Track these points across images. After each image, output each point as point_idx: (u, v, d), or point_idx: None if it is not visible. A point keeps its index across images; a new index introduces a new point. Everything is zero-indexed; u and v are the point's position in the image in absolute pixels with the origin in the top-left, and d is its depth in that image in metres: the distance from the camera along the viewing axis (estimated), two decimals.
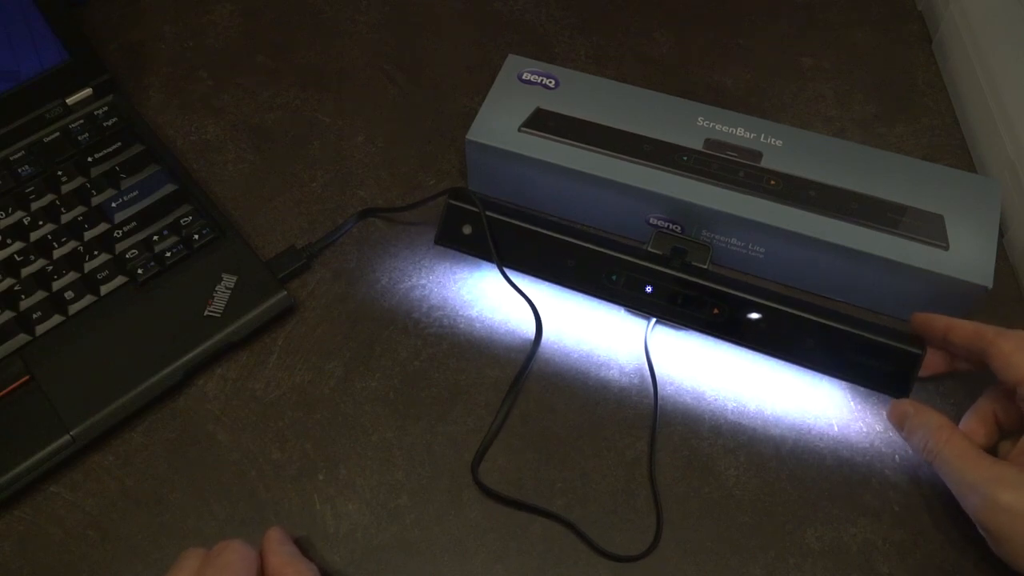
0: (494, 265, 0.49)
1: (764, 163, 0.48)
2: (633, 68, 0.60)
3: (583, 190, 0.49)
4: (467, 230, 0.49)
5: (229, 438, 0.45)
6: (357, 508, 0.42)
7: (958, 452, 0.38)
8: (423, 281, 0.50)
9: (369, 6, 0.64)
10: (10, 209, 0.49)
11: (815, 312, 0.45)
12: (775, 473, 0.43)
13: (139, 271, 0.47)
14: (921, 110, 0.58)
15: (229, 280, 0.47)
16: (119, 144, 0.52)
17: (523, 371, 0.46)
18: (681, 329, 0.47)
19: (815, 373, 0.46)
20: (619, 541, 0.41)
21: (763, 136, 0.49)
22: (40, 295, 0.46)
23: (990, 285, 0.43)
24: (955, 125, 0.57)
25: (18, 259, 0.47)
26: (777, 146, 0.49)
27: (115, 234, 0.48)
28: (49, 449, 0.42)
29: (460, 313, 0.49)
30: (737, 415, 0.45)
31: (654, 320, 0.47)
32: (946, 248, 0.45)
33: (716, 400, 0.46)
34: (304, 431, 0.45)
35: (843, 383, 0.46)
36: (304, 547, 0.41)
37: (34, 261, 0.48)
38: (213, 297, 0.47)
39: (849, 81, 0.59)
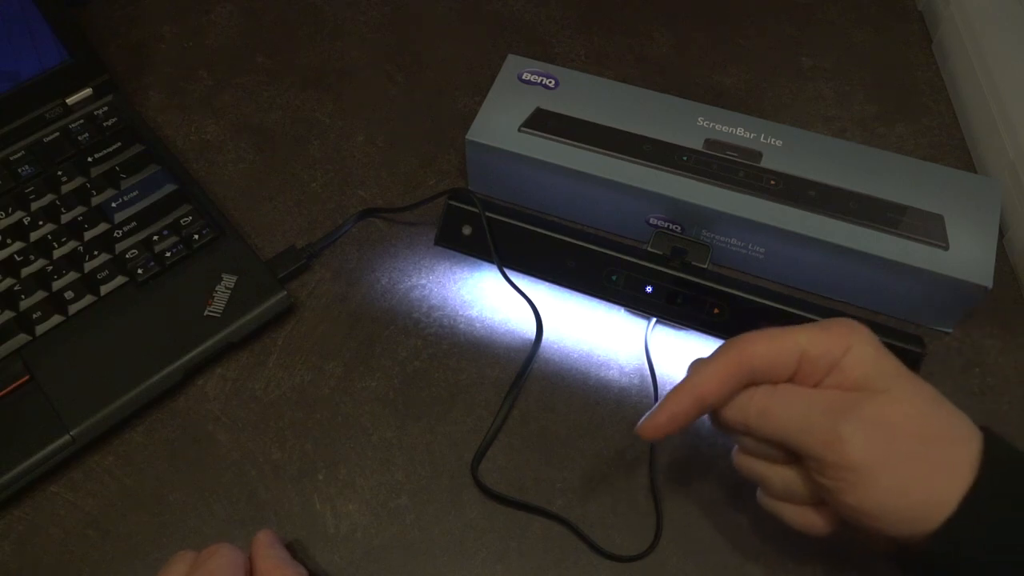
0: (494, 265, 0.49)
1: (764, 163, 0.48)
2: (633, 68, 0.60)
3: (583, 190, 0.49)
4: (467, 231, 0.49)
5: (229, 438, 0.45)
6: (357, 508, 0.42)
7: (792, 393, 0.33)
8: (423, 281, 0.50)
9: (369, 6, 0.64)
10: (10, 209, 0.49)
11: (815, 311, 0.45)
12: None
13: (139, 271, 0.47)
14: (921, 110, 0.58)
15: (229, 280, 0.47)
16: (119, 144, 0.52)
17: (523, 371, 0.46)
18: (681, 329, 0.47)
19: None
20: (619, 541, 0.41)
21: (763, 136, 0.49)
22: (40, 295, 0.46)
23: (990, 285, 0.43)
24: (955, 125, 0.57)
25: (18, 259, 0.47)
26: (777, 146, 0.49)
27: (115, 234, 0.48)
28: (49, 449, 0.42)
29: (460, 313, 0.49)
30: None
31: (654, 320, 0.47)
32: (946, 248, 0.45)
33: None
34: (304, 431, 0.45)
35: None
36: (295, 549, 0.41)
37: (34, 261, 0.48)
38: (213, 297, 0.47)
39: (849, 81, 0.59)
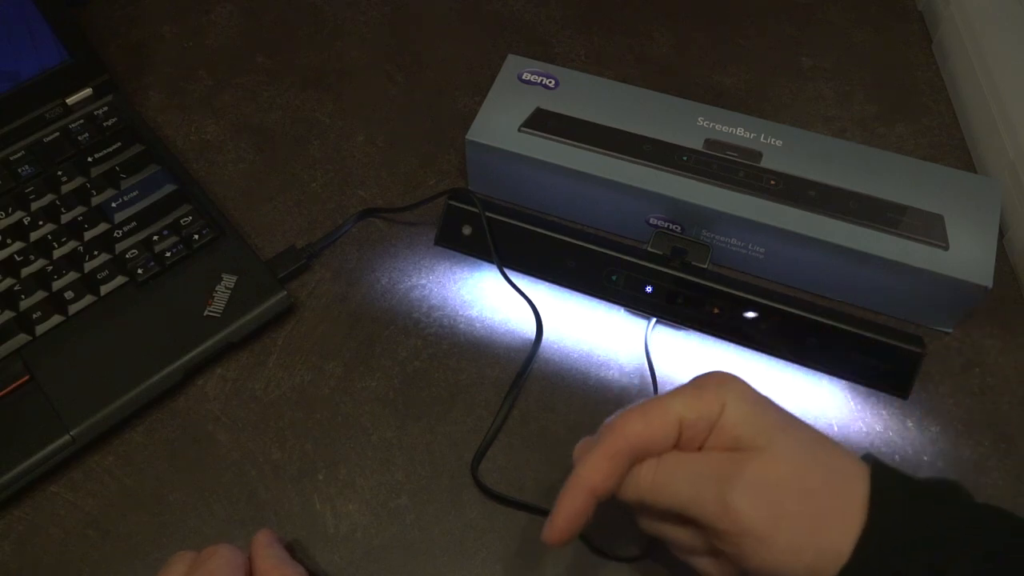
0: (494, 265, 0.49)
1: (764, 163, 0.48)
2: (633, 68, 0.60)
3: (583, 190, 0.49)
4: (467, 231, 0.50)
5: (229, 438, 0.45)
6: (357, 508, 0.42)
7: (676, 464, 0.33)
8: (423, 281, 0.50)
9: (369, 6, 0.64)
10: (10, 209, 0.49)
11: (815, 311, 0.45)
12: None
13: (139, 271, 0.47)
14: (921, 110, 0.58)
15: (229, 280, 0.47)
16: (119, 144, 0.52)
17: (523, 371, 0.46)
18: (681, 329, 0.47)
19: (815, 373, 0.46)
20: (619, 541, 0.41)
21: (763, 136, 0.49)
22: (40, 295, 0.46)
23: (990, 285, 0.43)
24: (955, 125, 0.57)
25: (18, 259, 0.47)
26: (777, 146, 0.49)
27: (115, 234, 0.48)
28: (49, 449, 0.42)
29: (460, 313, 0.49)
30: None
31: (654, 320, 0.47)
32: (946, 248, 0.45)
33: None
34: (304, 431, 0.45)
35: (843, 383, 0.46)
36: (294, 549, 0.41)
37: (34, 261, 0.48)
38: (213, 297, 0.47)
39: (849, 81, 0.59)
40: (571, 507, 0.33)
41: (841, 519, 0.31)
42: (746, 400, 0.33)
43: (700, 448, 0.33)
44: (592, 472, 0.33)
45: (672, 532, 0.35)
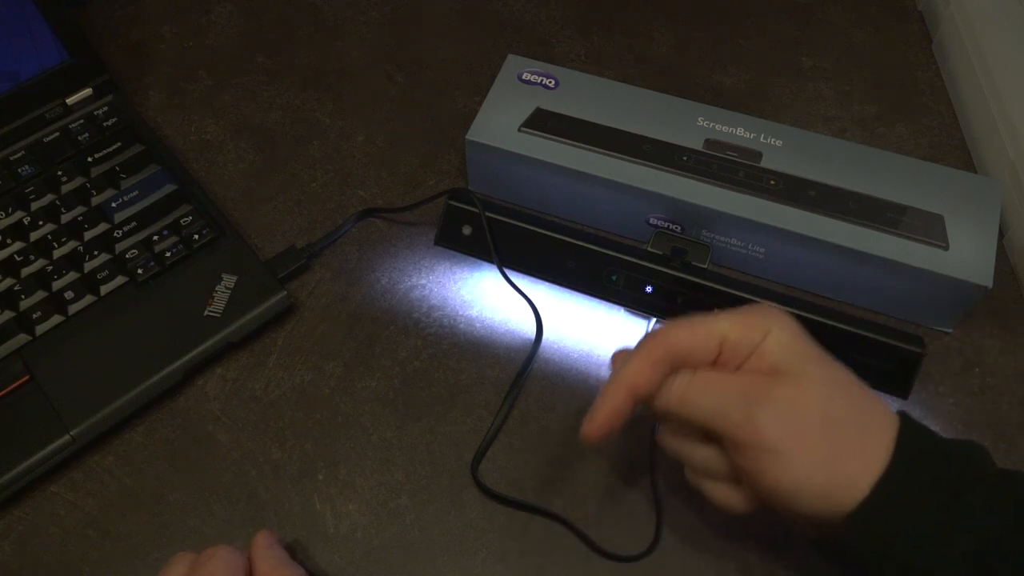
0: (494, 265, 0.49)
1: (764, 163, 0.48)
2: (633, 68, 0.60)
3: (583, 190, 0.49)
4: (467, 231, 0.50)
5: (229, 438, 0.45)
6: (357, 508, 0.42)
7: (708, 379, 0.34)
8: (423, 281, 0.50)
9: (369, 6, 0.64)
10: (10, 209, 0.49)
11: (815, 311, 0.45)
12: None
13: (139, 271, 0.47)
14: (921, 110, 0.58)
15: (229, 280, 0.47)
16: (119, 144, 0.52)
17: (523, 371, 0.46)
18: None
19: None
20: (619, 541, 0.41)
21: (763, 136, 0.49)
22: (40, 295, 0.46)
23: (990, 285, 0.43)
24: (955, 125, 0.57)
25: (18, 259, 0.47)
26: (777, 146, 0.49)
27: (115, 234, 0.48)
28: (49, 449, 0.42)
29: (460, 313, 0.49)
30: None
31: (654, 320, 0.47)
32: (946, 248, 0.45)
33: None
34: (304, 431, 0.45)
35: None
36: (294, 550, 0.41)
37: (34, 261, 0.48)
38: (213, 297, 0.47)
39: (849, 81, 0.59)
40: (611, 403, 0.34)
41: (863, 455, 0.31)
42: (788, 330, 0.34)
43: (737, 371, 0.34)
44: (634, 373, 0.34)
45: (692, 450, 0.36)
